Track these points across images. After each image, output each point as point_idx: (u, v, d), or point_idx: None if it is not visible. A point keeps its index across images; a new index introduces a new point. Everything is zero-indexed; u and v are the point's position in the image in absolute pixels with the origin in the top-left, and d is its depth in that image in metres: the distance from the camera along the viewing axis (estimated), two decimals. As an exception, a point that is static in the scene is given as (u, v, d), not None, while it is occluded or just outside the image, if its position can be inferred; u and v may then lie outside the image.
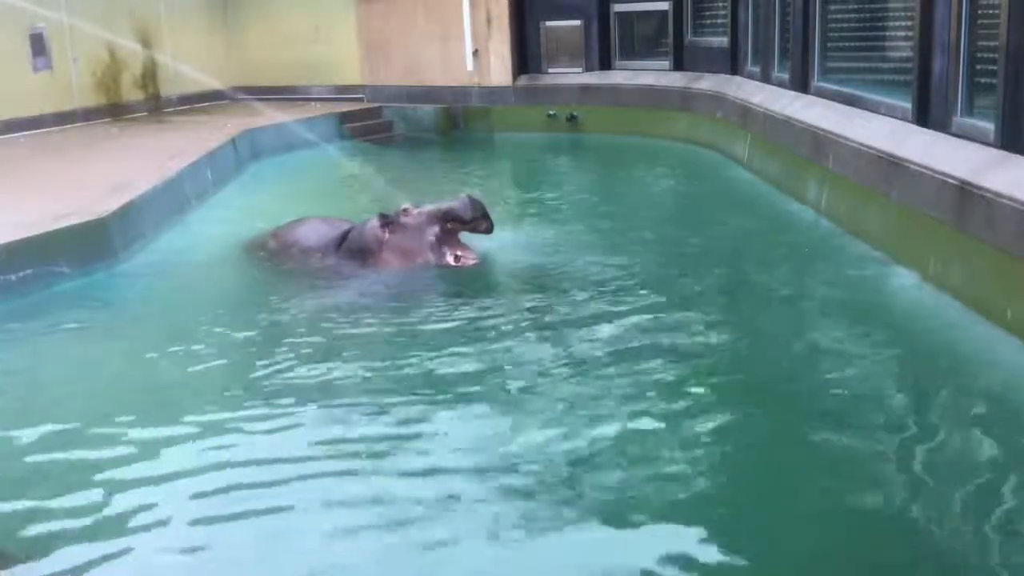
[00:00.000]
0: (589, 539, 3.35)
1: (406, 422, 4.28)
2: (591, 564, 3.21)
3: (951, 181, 5.66)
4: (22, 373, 5.21)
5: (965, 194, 5.48)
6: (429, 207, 6.67)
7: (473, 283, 6.31)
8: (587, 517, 3.47)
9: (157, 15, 14.21)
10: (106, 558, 3.36)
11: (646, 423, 4.17)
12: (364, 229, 6.77)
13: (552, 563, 3.25)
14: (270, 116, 12.77)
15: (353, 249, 6.75)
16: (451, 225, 6.59)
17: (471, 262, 6.55)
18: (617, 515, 3.47)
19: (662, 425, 4.15)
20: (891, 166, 6.53)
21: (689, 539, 3.34)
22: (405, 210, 6.67)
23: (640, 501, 3.56)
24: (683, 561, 3.22)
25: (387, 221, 6.67)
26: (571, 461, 3.85)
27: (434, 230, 6.56)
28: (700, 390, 4.53)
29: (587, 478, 3.72)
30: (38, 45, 12.32)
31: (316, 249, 6.91)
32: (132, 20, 13.75)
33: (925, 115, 6.59)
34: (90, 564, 3.33)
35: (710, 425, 4.17)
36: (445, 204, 6.67)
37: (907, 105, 6.88)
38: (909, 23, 7.02)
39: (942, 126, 6.32)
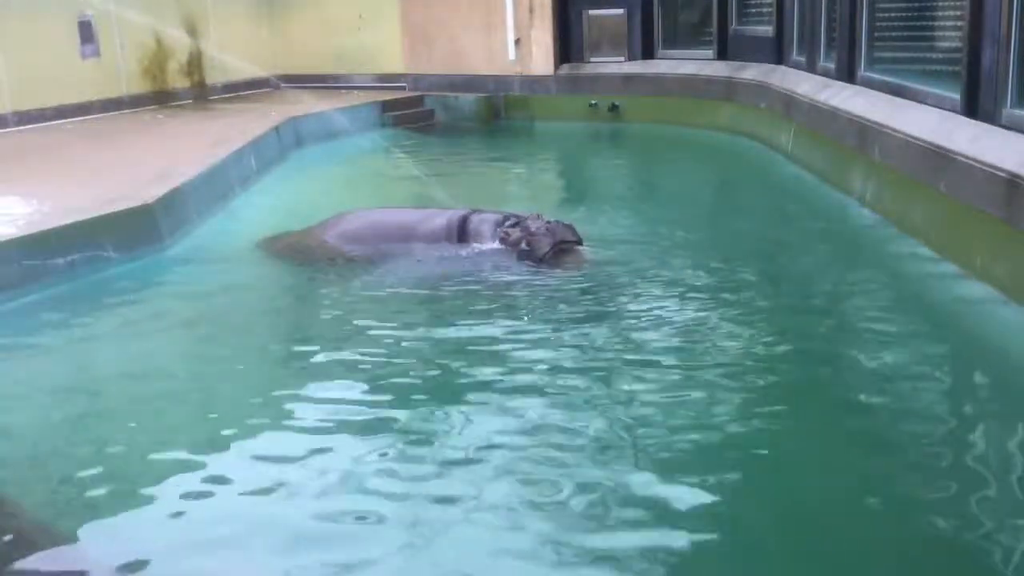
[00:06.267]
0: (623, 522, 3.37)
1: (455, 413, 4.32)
2: (629, 548, 3.22)
3: (1000, 174, 5.57)
4: (70, 356, 5.31)
5: (1014, 187, 5.40)
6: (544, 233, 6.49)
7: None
8: (626, 503, 3.49)
9: (203, 3, 14.34)
10: (139, 536, 3.41)
11: (688, 406, 4.18)
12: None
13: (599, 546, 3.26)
14: (313, 104, 12.85)
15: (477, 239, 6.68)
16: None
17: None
18: (655, 501, 3.49)
19: (705, 408, 4.17)
20: (939, 158, 6.44)
21: (730, 527, 3.34)
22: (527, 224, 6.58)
23: (682, 486, 3.57)
24: (722, 545, 3.22)
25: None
26: (612, 442, 3.87)
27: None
28: (742, 380, 4.51)
29: (630, 457, 3.74)
30: (86, 32, 12.48)
31: (419, 235, 6.81)
32: (178, 8, 13.88)
33: (974, 106, 6.49)
34: (123, 541, 3.39)
35: (752, 411, 4.17)
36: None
37: (956, 96, 6.78)
38: (958, 12, 6.91)
39: (991, 118, 6.23)
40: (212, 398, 4.59)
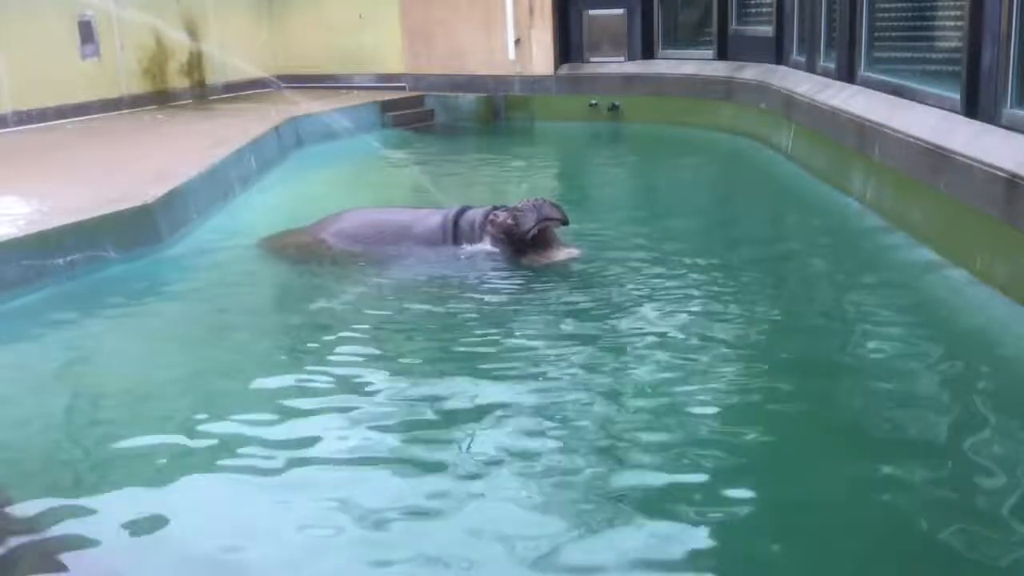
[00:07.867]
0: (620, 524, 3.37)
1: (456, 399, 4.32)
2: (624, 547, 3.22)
3: (1000, 174, 5.57)
4: (69, 356, 5.30)
5: (1014, 187, 5.40)
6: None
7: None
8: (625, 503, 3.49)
9: (203, 3, 14.34)
10: (138, 535, 3.40)
11: (684, 405, 4.18)
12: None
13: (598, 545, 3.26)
14: (313, 104, 12.85)
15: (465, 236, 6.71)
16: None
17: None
18: (650, 501, 3.49)
19: (702, 408, 4.18)
20: (939, 158, 6.44)
21: (730, 526, 3.34)
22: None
23: (680, 486, 3.57)
24: (723, 546, 3.23)
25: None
26: (608, 445, 3.87)
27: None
28: (743, 380, 4.52)
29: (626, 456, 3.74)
30: (86, 32, 12.49)
31: (415, 234, 6.81)
32: (179, 8, 13.89)
33: (974, 106, 6.49)
34: (122, 540, 3.38)
35: (750, 410, 4.17)
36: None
37: (955, 96, 6.78)
38: (958, 12, 6.91)
39: (991, 118, 6.23)
40: (211, 397, 4.58)
